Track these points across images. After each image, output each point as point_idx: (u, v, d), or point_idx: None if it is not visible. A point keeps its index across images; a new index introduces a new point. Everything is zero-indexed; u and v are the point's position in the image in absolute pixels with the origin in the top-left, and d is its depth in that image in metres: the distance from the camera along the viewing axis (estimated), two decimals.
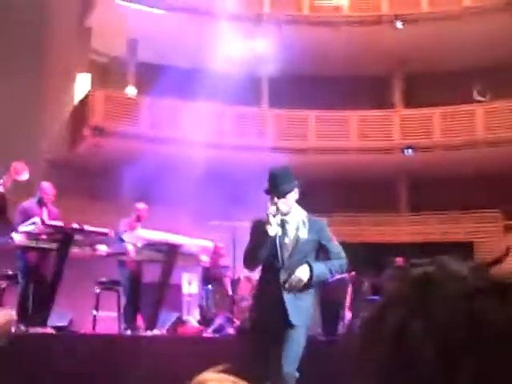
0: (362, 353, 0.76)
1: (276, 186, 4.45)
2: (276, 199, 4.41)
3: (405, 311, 0.72)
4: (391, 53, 17.73)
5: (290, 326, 4.44)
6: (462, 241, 15.81)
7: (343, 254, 4.69)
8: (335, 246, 4.69)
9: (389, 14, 17.27)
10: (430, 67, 18.04)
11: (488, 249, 16.30)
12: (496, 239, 16.36)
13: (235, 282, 9.37)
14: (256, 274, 9.88)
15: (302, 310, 4.53)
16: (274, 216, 4.39)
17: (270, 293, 4.53)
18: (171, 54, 16.43)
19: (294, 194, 4.54)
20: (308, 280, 4.48)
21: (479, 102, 17.33)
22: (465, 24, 16.47)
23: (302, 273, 4.45)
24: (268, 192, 4.50)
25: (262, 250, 4.45)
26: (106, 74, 17.55)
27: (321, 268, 4.53)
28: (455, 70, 17.88)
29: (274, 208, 4.40)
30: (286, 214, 4.51)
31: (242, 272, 9.74)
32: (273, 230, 4.40)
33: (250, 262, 4.67)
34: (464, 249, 15.58)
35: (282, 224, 4.51)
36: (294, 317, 4.46)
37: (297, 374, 4.41)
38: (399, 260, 12.30)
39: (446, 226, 16.81)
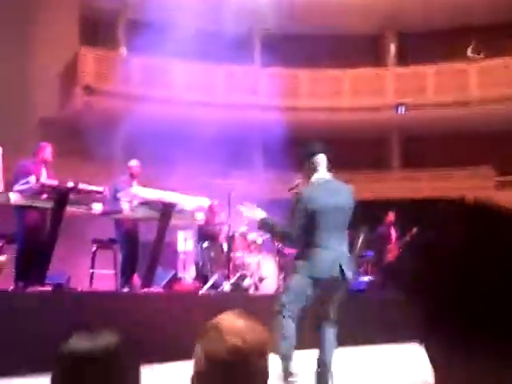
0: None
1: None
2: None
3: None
4: (384, 10, 17.57)
5: None
6: (454, 197, 15.89)
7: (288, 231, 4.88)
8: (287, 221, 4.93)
9: None
10: (423, 24, 17.90)
11: None
12: (487, 195, 16.48)
13: (230, 239, 9.40)
14: (252, 232, 9.96)
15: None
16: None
17: None
18: (161, 11, 16.21)
19: (307, 164, 4.95)
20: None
21: (473, 59, 17.25)
22: None
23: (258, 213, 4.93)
24: None
25: None
26: (96, 32, 17.32)
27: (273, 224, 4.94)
28: (449, 28, 17.76)
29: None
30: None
31: (237, 229, 9.79)
32: None
33: None
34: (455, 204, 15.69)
35: None
36: None
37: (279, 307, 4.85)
38: (391, 214, 12.39)
39: (438, 182, 16.89)
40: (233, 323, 1.47)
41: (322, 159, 4.94)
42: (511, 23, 17.18)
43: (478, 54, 17.49)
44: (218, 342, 1.44)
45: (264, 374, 1.47)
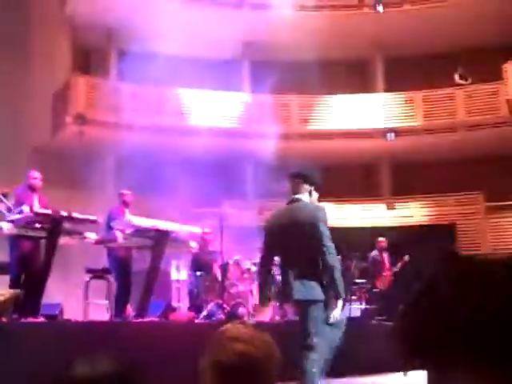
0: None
1: None
2: None
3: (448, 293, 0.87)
4: (371, 36, 17.77)
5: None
6: (445, 223, 15.96)
7: None
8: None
9: None
10: (410, 51, 18.08)
11: (471, 230, 16.49)
12: (478, 220, 16.55)
13: (224, 268, 9.38)
14: (246, 260, 9.94)
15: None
16: None
17: None
18: (152, 41, 16.31)
19: None
20: None
21: (460, 85, 17.42)
22: (445, 7, 16.58)
23: None
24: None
25: None
26: (88, 61, 17.40)
27: None
28: (436, 54, 17.95)
29: None
30: None
31: (231, 257, 9.79)
32: None
33: None
34: (447, 231, 15.75)
35: None
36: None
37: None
38: (382, 241, 12.41)
39: (429, 209, 16.95)
40: (239, 331, 1.48)
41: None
42: (498, 48, 17.38)
43: (466, 80, 17.66)
44: (225, 349, 1.44)
45: (272, 379, 1.47)
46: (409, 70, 18.45)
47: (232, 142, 15.82)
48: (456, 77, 17.72)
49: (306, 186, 4.99)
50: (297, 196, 4.98)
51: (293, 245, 4.88)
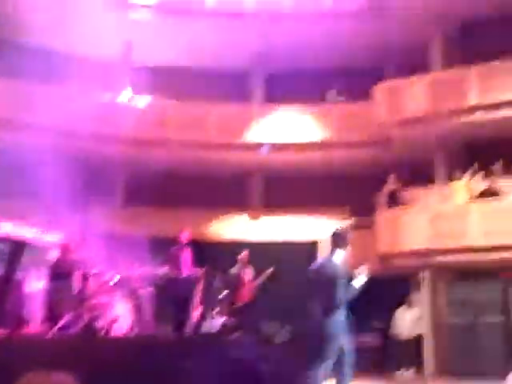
0: None
1: None
2: None
3: None
4: (253, 48, 18.00)
5: None
6: (307, 240, 16.36)
7: None
8: None
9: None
10: (289, 65, 18.40)
11: None
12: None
13: (84, 279, 9.13)
14: (108, 272, 9.71)
15: None
16: None
17: None
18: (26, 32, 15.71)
19: None
20: None
21: (335, 102, 17.91)
22: (320, 24, 17.07)
23: None
24: None
25: None
26: None
27: None
28: (313, 70, 18.37)
29: None
30: None
31: (94, 267, 9.54)
32: None
33: None
34: (309, 247, 16.10)
35: None
36: None
37: None
38: (245, 254, 12.53)
39: (293, 224, 17.23)
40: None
41: None
42: (369, 70, 18.03)
43: (340, 97, 18.17)
44: None
45: None
46: (287, 83, 18.76)
47: (102, 145, 15.40)
48: (330, 94, 18.24)
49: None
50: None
51: None
